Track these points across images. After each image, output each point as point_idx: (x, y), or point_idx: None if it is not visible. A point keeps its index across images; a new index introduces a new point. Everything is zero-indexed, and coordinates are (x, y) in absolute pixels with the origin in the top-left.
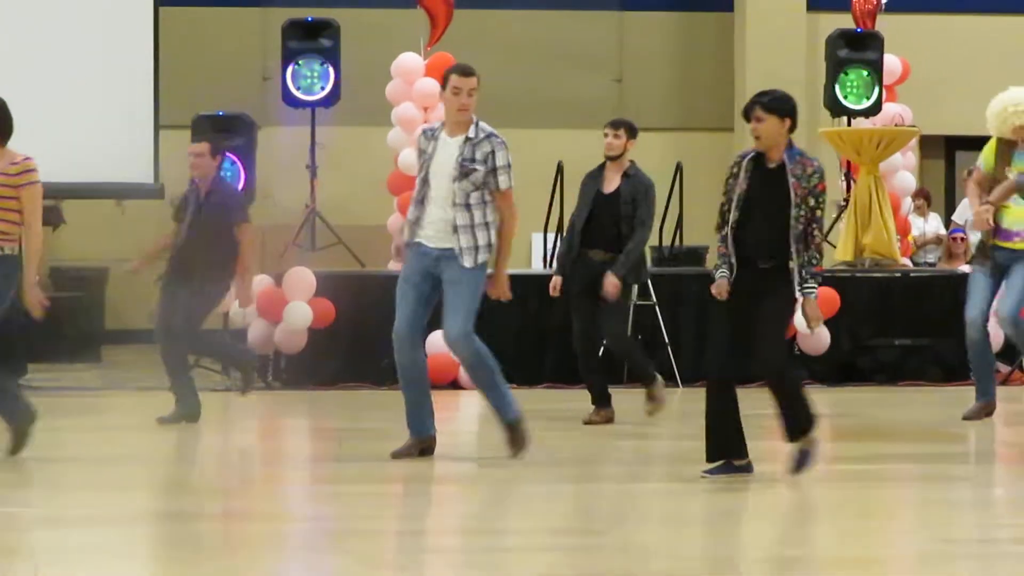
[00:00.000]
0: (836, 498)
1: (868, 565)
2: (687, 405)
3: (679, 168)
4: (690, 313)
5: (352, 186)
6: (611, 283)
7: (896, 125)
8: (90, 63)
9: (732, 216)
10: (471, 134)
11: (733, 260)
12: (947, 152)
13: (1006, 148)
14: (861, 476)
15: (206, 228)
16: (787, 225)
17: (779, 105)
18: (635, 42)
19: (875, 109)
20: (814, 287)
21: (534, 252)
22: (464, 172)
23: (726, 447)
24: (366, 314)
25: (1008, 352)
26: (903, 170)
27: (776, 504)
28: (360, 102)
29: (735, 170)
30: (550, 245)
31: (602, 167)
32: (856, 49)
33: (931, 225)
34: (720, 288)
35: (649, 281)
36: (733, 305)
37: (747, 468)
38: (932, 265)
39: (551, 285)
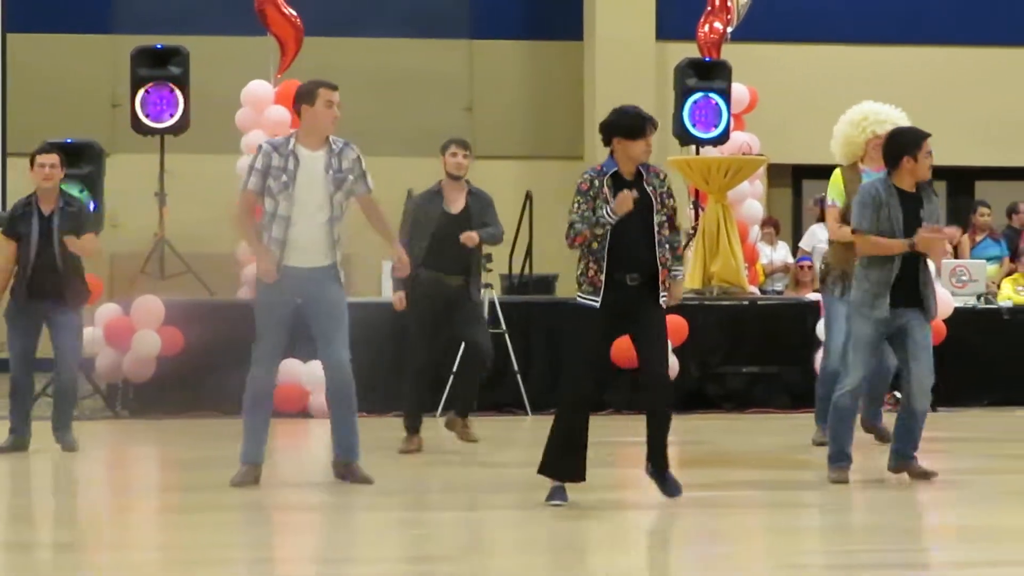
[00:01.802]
0: (685, 525)
1: None
2: (537, 433)
3: (529, 196)
4: (540, 341)
5: (201, 214)
6: (470, 236)
7: (744, 154)
8: None
9: (604, 234)
10: (333, 146)
11: (603, 276)
12: (794, 181)
13: (852, 176)
14: (709, 503)
15: (62, 243)
16: (653, 235)
17: None
18: (485, 70)
19: (723, 138)
20: (680, 268)
21: (384, 280)
22: (339, 183)
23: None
24: (215, 342)
25: None
26: (751, 198)
27: (624, 531)
28: (209, 129)
29: (598, 184)
30: None
31: (436, 189)
32: (704, 78)
33: (779, 253)
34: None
35: (499, 309)
36: (606, 326)
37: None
38: (780, 293)
39: (395, 299)
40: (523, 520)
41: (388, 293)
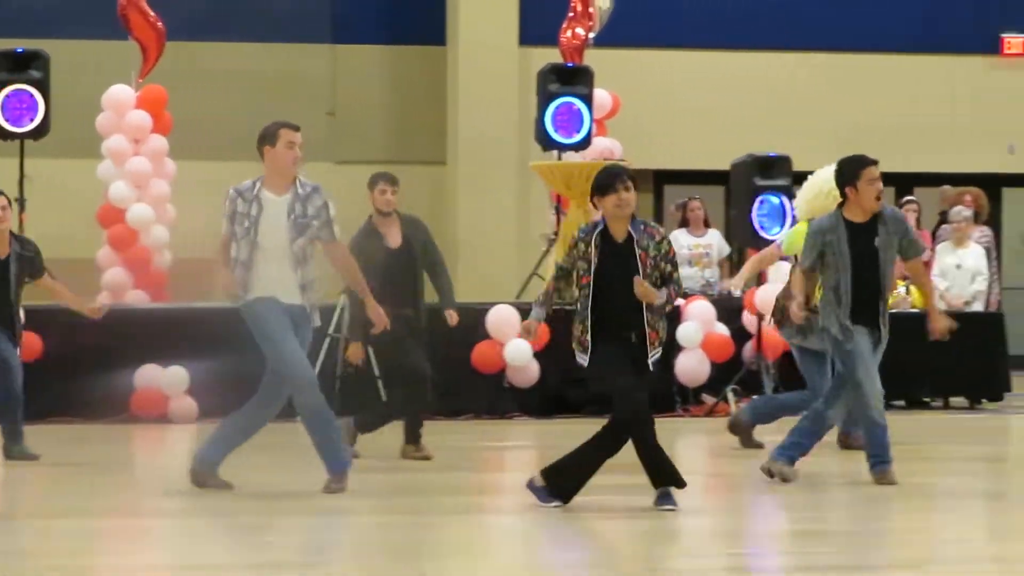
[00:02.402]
0: (544, 529)
1: None
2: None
3: None
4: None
5: (61, 219)
6: (454, 315)
7: (605, 159)
8: None
9: (588, 290)
10: (299, 190)
11: (589, 337)
12: (656, 186)
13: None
14: (568, 507)
15: (19, 284)
16: (633, 298)
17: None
18: (348, 75)
19: (585, 143)
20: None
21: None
22: (301, 229)
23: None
24: (75, 348)
25: (713, 384)
26: None
27: (475, 537)
28: (70, 134)
29: (583, 245)
30: None
31: (370, 228)
32: (567, 83)
33: None
34: (528, 327)
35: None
36: (613, 356)
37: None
38: None
39: (353, 350)
40: (387, 525)
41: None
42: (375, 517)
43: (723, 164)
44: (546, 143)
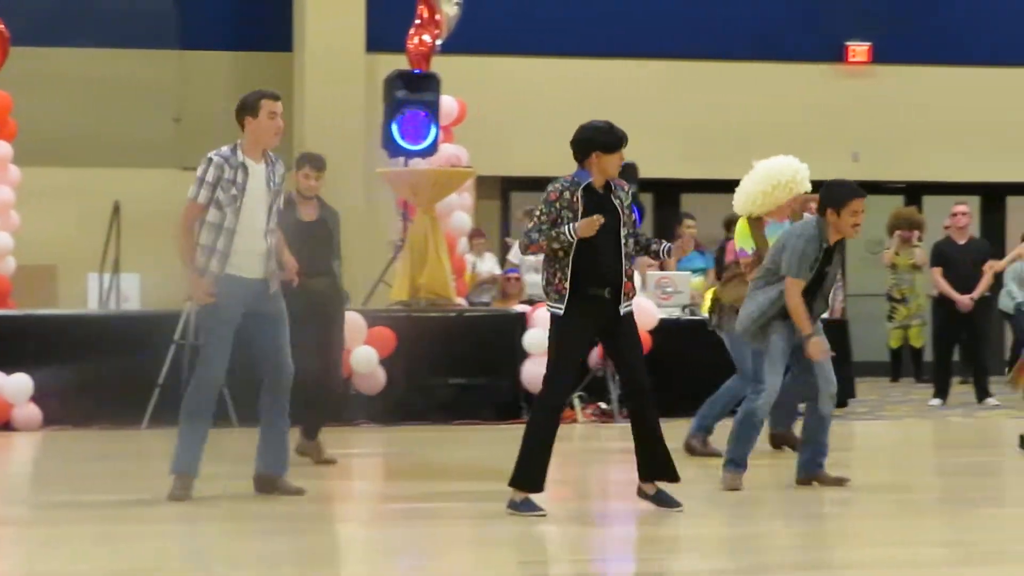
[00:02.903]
0: (391, 537)
1: None
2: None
3: None
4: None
5: None
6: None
7: (452, 166)
8: None
9: (569, 246)
10: (270, 160)
11: (568, 284)
12: (503, 192)
13: (757, 226)
14: (415, 514)
15: None
16: (620, 248)
17: None
18: (195, 81)
19: (432, 150)
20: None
21: (90, 293)
22: (276, 195)
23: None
24: None
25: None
26: (459, 210)
27: (335, 544)
28: None
29: (568, 195)
30: (106, 285)
31: (290, 199)
32: (414, 90)
33: (487, 265)
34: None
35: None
36: (577, 333)
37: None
38: (487, 304)
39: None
40: (229, 533)
41: (93, 306)
42: (224, 525)
43: (570, 170)
44: (393, 150)
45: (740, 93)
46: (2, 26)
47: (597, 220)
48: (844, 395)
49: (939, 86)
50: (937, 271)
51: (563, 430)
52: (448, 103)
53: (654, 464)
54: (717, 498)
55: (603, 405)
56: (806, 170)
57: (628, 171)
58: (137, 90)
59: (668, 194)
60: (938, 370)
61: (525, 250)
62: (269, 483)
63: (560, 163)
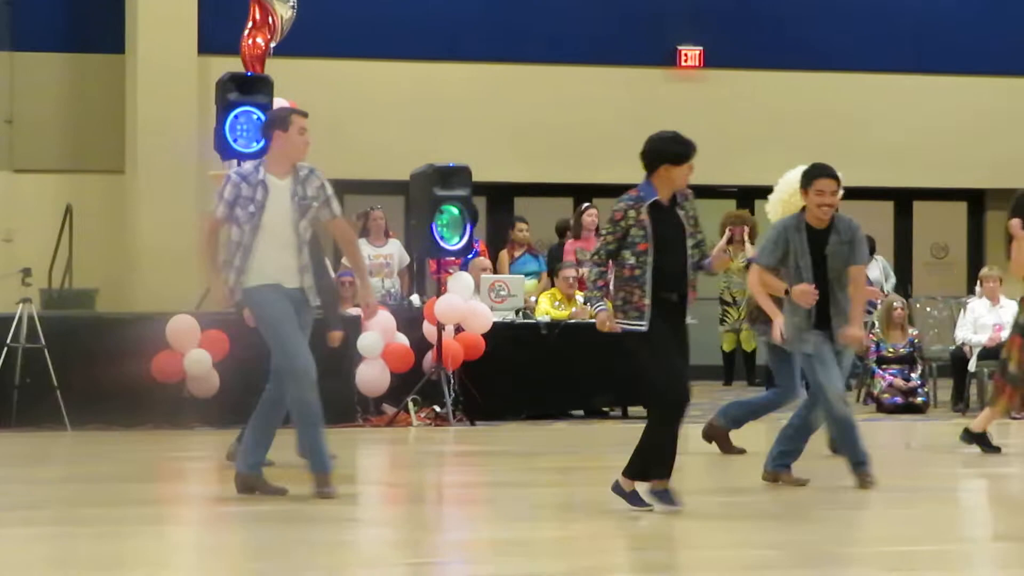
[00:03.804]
0: (226, 539)
1: None
2: (78, 448)
3: (69, 210)
4: (81, 355)
5: None
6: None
7: None
8: None
9: (648, 256)
10: (299, 173)
11: (648, 300)
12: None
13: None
14: (248, 517)
15: None
16: (686, 258)
17: None
18: (26, 82)
19: (263, 152)
20: None
21: None
22: (303, 211)
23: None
24: None
25: (393, 393)
26: None
27: (164, 547)
28: None
29: (632, 211)
30: None
31: None
32: (246, 92)
33: None
34: (602, 320)
35: (38, 323)
36: (669, 335)
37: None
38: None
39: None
40: (60, 536)
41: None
42: (55, 528)
43: (403, 174)
44: (225, 152)
45: (573, 96)
46: None
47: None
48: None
49: (770, 90)
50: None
51: (398, 433)
52: (282, 105)
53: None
54: (569, 502)
55: (437, 408)
56: (790, 175)
57: (461, 173)
58: None
59: (501, 197)
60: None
61: (594, 268)
62: (252, 483)
63: (392, 166)
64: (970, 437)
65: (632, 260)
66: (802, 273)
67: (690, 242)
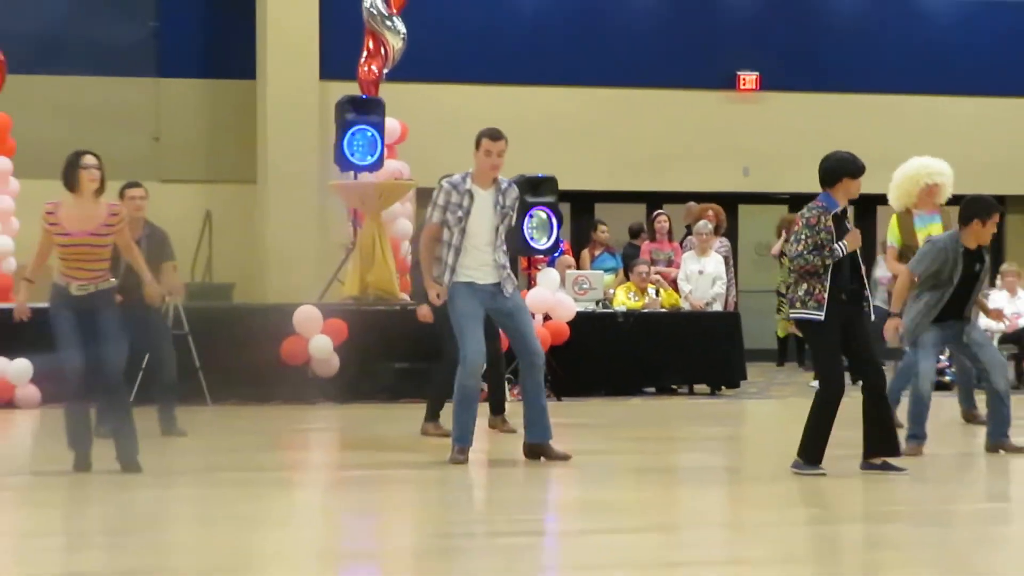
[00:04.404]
0: (347, 499)
1: (374, 557)
2: (217, 420)
3: (208, 215)
4: (221, 340)
5: None
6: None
7: (396, 179)
8: None
9: (832, 256)
10: (500, 185)
11: (824, 297)
12: None
13: (907, 219)
14: (366, 480)
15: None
16: (859, 260)
17: None
18: (170, 105)
19: (377, 165)
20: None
21: None
22: (503, 217)
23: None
24: None
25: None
26: (402, 217)
27: (293, 505)
28: None
29: (824, 220)
30: None
31: None
32: (361, 113)
33: None
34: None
35: (182, 312)
36: (840, 333)
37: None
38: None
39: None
40: (201, 497)
41: None
42: (198, 489)
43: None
44: (343, 165)
45: (645, 115)
46: (1, 55)
47: (858, 235)
48: (737, 378)
49: (818, 110)
50: None
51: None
52: (392, 124)
53: (881, 439)
54: (643, 467)
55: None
56: (937, 164)
57: (548, 182)
58: (121, 112)
59: (583, 203)
60: None
61: (802, 270)
62: (538, 450)
63: None
64: None
65: (817, 260)
66: (947, 285)
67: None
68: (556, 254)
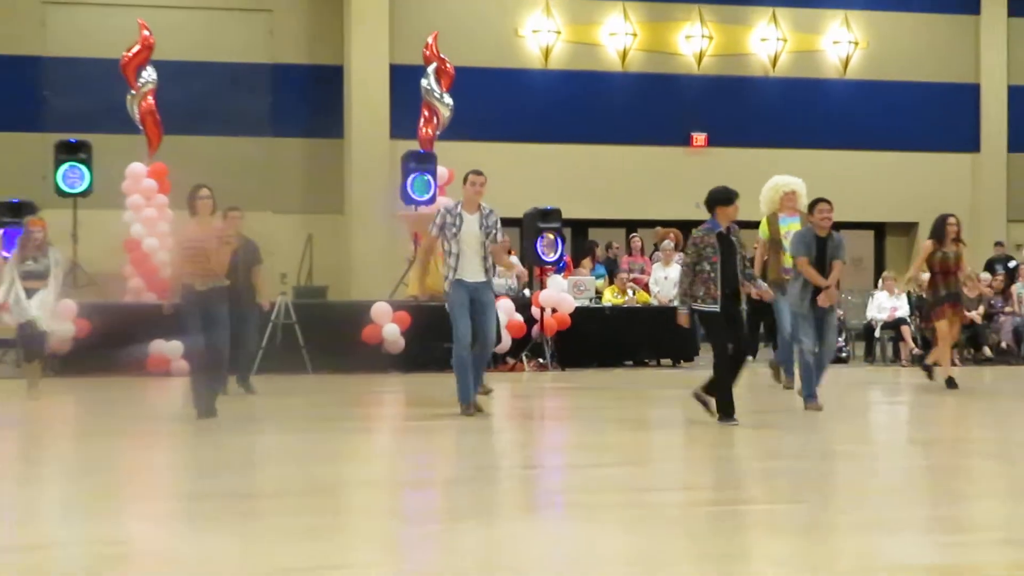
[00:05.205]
0: (408, 442)
1: (430, 484)
2: (314, 384)
3: (309, 237)
4: (319, 326)
5: (102, 248)
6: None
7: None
8: None
9: (717, 265)
10: (484, 210)
11: (717, 294)
12: None
13: (774, 220)
14: (421, 428)
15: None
16: (737, 268)
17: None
18: (281, 157)
19: (431, 201)
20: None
21: None
22: (487, 234)
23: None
24: (111, 329)
25: (513, 352)
26: None
27: (370, 445)
28: (106, 193)
29: (708, 238)
30: None
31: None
32: (420, 163)
33: None
34: (683, 319)
35: (291, 306)
36: (723, 320)
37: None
38: None
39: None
40: (301, 440)
41: None
42: (300, 435)
43: (519, 213)
44: (407, 200)
45: (623, 164)
46: (159, 119)
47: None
48: (691, 354)
49: (751, 161)
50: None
51: (517, 375)
52: (442, 171)
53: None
54: (622, 418)
55: (540, 360)
56: (790, 178)
57: (555, 213)
58: (245, 161)
59: (580, 228)
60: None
61: (690, 275)
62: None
63: (512, 208)
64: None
65: (708, 268)
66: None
67: (738, 257)
68: (561, 265)
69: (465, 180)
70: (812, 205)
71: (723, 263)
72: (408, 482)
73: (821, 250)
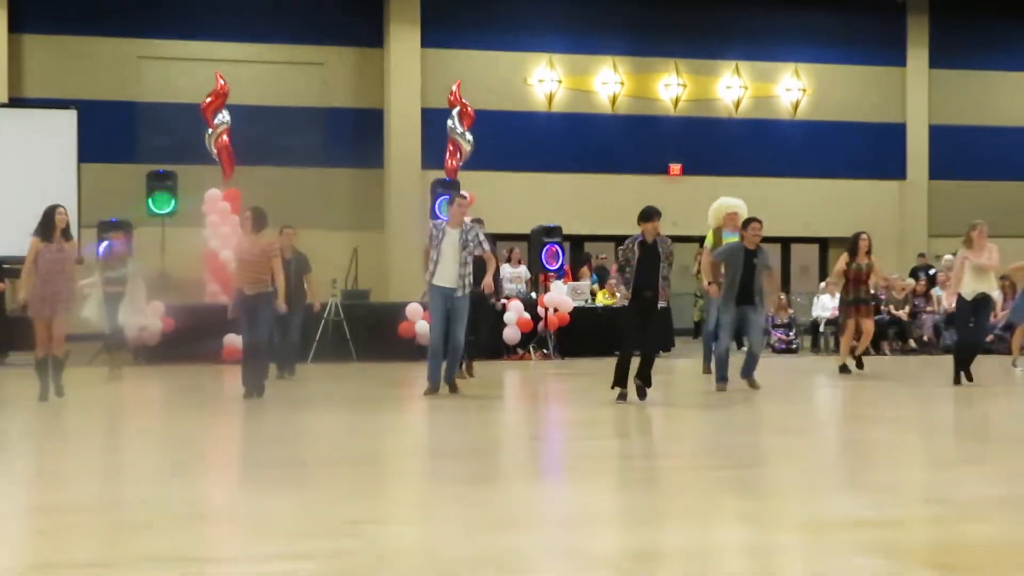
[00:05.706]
0: (434, 418)
1: (454, 454)
2: (359, 371)
3: (355, 250)
4: (363, 322)
5: (187, 259)
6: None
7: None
8: None
9: (634, 269)
10: (465, 227)
11: (631, 292)
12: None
13: (719, 233)
14: (446, 407)
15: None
16: (658, 272)
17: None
18: (332, 184)
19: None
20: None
21: None
22: (464, 246)
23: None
24: (192, 324)
25: (522, 344)
26: None
27: (404, 419)
28: (189, 214)
29: (632, 246)
30: None
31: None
32: (446, 189)
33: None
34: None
35: (339, 307)
36: (635, 316)
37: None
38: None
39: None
40: (345, 419)
41: None
42: (343, 414)
43: (526, 229)
44: (435, 219)
45: (610, 191)
46: (232, 153)
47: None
48: (670, 345)
49: (719, 187)
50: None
51: (525, 364)
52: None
53: (641, 377)
54: (605, 398)
55: (545, 350)
56: (733, 200)
57: (556, 230)
58: (301, 188)
59: (577, 242)
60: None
61: (621, 272)
62: (449, 386)
63: (519, 224)
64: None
65: (628, 271)
66: (736, 272)
67: (662, 262)
68: (561, 273)
69: (451, 201)
70: (746, 223)
71: (643, 267)
72: (437, 451)
73: (750, 260)
